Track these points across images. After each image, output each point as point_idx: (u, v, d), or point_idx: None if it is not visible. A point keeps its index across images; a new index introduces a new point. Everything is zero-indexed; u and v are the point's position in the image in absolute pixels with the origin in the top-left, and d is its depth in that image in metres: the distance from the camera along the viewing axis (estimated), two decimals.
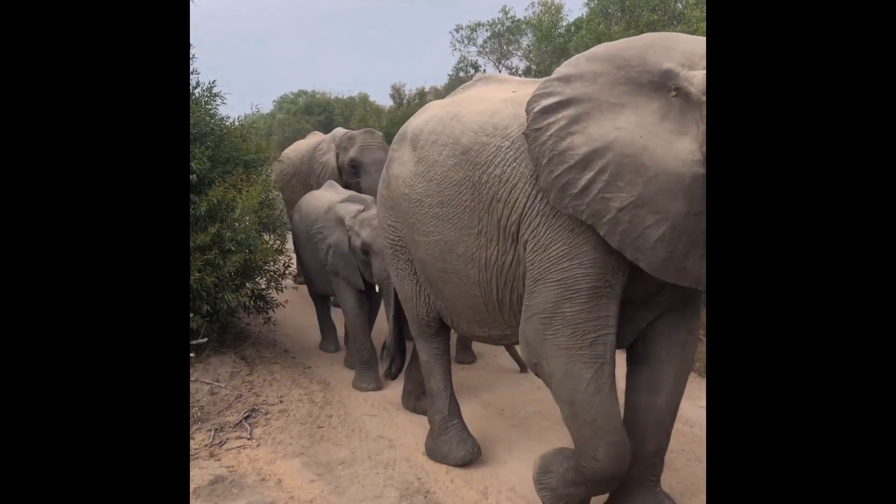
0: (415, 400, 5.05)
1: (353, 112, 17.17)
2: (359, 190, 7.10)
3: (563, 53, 8.92)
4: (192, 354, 5.46)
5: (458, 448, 4.23)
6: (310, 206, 6.32)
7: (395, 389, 5.48)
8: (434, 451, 4.33)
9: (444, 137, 3.54)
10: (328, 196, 6.26)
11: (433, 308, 4.12)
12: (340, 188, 6.62)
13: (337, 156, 7.79)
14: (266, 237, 6.43)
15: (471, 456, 4.21)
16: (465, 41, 12.05)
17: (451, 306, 3.83)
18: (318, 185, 7.41)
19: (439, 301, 3.96)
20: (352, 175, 7.64)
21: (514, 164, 3.17)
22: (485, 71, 12.91)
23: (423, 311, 4.17)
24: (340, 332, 6.63)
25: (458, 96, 3.91)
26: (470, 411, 4.74)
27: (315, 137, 8.98)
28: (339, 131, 8.24)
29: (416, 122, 3.94)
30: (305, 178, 8.30)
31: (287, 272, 6.56)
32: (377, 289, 5.55)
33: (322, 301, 6.63)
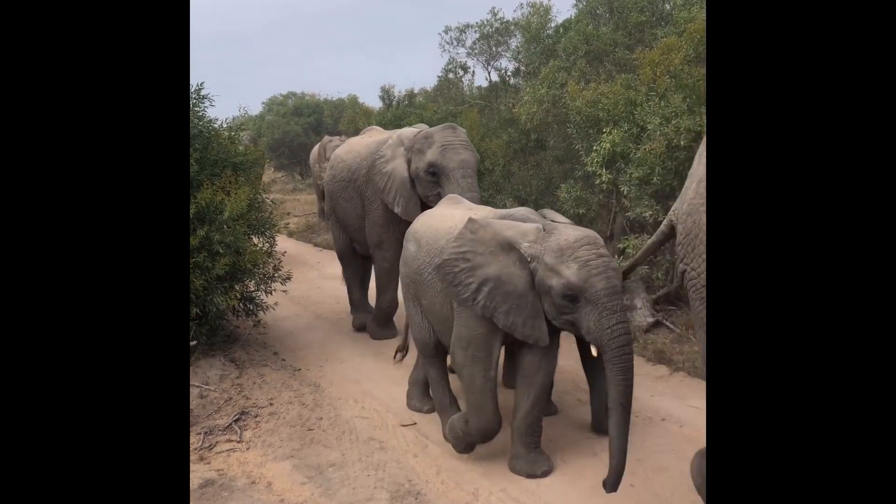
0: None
1: (342, 113, 17.14)
2: (437, 202, 5.31)
3: (551, 54, 8.94)
4: None
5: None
6: (436, 230, 4.47)
7: (387, 390, 5.48)
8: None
9: None
10: (464, 213, 4.44)
11: None
12: (469, 203, 4.97)
13: (408, 162, 5.98)
14: (255, 240, 6.41)
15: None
16: (454, 42, 12.07)
17: None
18: (391, 202, 6.01)
19: None
20: (430, 185, 5.81)
21: None
22: (473, 73, 12.88)
23: None
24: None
25: None
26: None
27: (374, 135, 6.80)
28: (408, 132, 6.27)
29: None
30: (362, 188, 6.41)
31: (276, 275, 6.47)
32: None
33: (441, 360, 4.73)
